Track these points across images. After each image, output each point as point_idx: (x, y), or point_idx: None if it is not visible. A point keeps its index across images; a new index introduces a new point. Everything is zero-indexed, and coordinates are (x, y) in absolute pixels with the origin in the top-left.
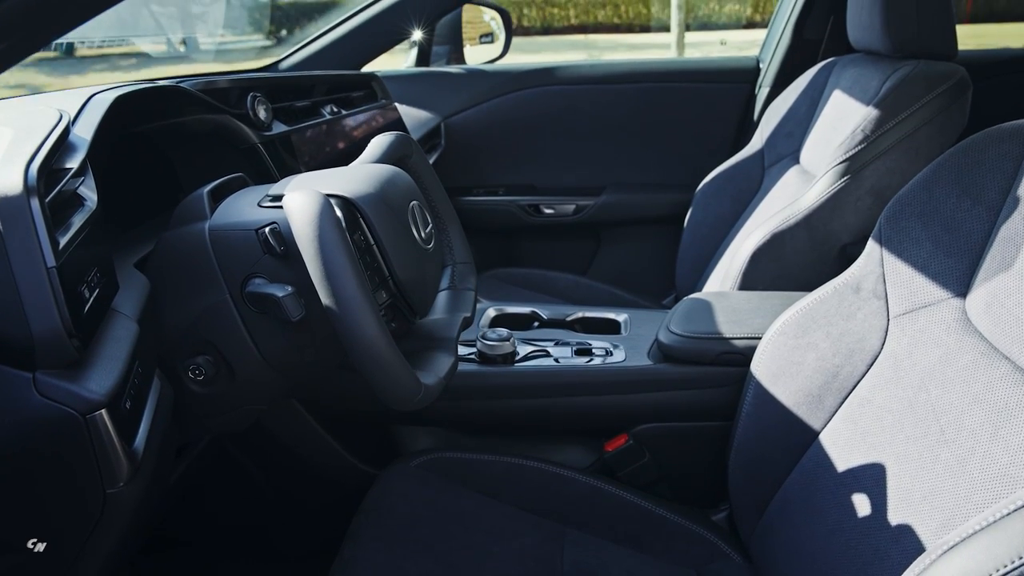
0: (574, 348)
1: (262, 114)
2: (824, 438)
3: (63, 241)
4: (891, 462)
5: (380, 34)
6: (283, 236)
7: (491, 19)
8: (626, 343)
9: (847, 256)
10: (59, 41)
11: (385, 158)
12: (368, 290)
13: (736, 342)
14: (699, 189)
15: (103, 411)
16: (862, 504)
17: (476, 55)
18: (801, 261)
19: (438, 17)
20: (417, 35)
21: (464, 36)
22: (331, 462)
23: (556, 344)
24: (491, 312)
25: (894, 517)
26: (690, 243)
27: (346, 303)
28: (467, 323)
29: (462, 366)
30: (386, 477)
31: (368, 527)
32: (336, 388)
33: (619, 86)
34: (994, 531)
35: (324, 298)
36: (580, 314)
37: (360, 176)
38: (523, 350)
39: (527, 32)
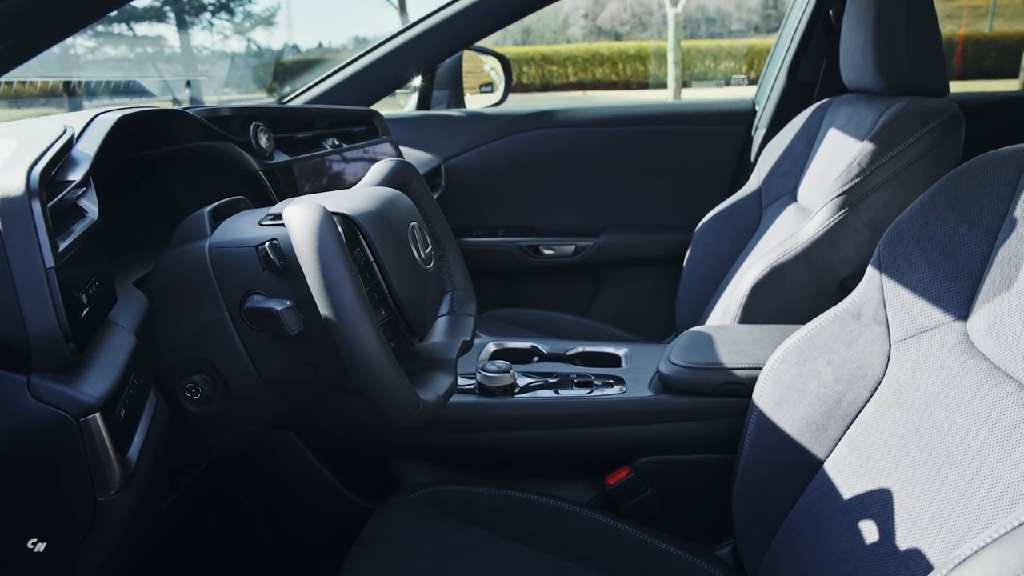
0: (574, 380)
1: (264, 142)
2: (829, 466)
3: (63, 245)
4: (898, 487)
5: (382, 78)
6: (283, 251)
7: (491, 69)
8: (627, 375)
9: (847, 289)
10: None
11: (386, 183)
12: (367, 301)
13: (737, 372)
14: (698, 229)
15: (97, 415)
16: (870, 531)
17: (476, 103)
18: (801, 294)
19: (439, 61)
20: (418, 80)
21: (464, 85)
22: (327, 496)
23: (556, 376)
24: (491, 347)
25: (903, 542)
26: (690, 282)
27: (345, 313)
28: (466, 347)
29: (461, 398)
30: (384, 510)
31: (365, 560)
32: (333, 415)
33: (617, 128)
34: (1004, 543)
35: (323, 309)
36: (580, 348)
37: (361, 196)
38: (523, 382)
39: (526, 89)
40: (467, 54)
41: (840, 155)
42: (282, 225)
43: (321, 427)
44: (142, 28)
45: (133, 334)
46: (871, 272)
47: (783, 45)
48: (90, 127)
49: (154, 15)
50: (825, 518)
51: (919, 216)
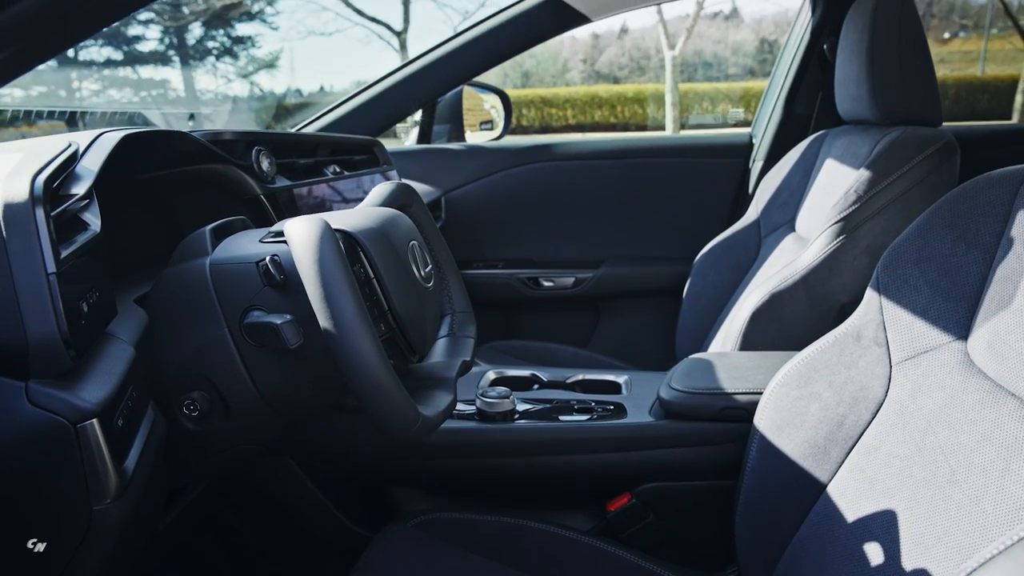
0: (575, 406)
1: (266, 166)
2: (832, 490)
3: (64, 253)
4: (902, 508)
5: (384, 111)
6: (283, 266)
7: (491, 107)
8: (627, 401)
9: (846, 316)
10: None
11: (387, 204)
12: (366, 314)
13: (738, 397)
14: (697, 259)
15: (94, 422)
16: (875, 553)
17: (476, 139)
18: (801, 321)
19: (440, 95)
20: (418, 115)
21: (465, 123)
22: (325, 523)
23: (556, 403)
24: (491, 375)
25: (909, 563)
26: (690, 313)
27: (344, 325)
28: (466, 367)
29: (460, 423)
30: (382, 537)
31: None
32: (331, 440)
33: (616, 161)
34: (1011, 554)
35: (322, 320)
36: (580, 376)
37: (361, 214)
38: (523, 408)
39: (526, 131)
40: (467, 92)
41: (837, 184)
42: (283, 242)
43: (319, 453)
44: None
45: (132, 346)
46: (870, 294)
47: (779, 79)
48: (95, 144)
49: (159, 58)
50: (829, 542)
51: (917, 238)
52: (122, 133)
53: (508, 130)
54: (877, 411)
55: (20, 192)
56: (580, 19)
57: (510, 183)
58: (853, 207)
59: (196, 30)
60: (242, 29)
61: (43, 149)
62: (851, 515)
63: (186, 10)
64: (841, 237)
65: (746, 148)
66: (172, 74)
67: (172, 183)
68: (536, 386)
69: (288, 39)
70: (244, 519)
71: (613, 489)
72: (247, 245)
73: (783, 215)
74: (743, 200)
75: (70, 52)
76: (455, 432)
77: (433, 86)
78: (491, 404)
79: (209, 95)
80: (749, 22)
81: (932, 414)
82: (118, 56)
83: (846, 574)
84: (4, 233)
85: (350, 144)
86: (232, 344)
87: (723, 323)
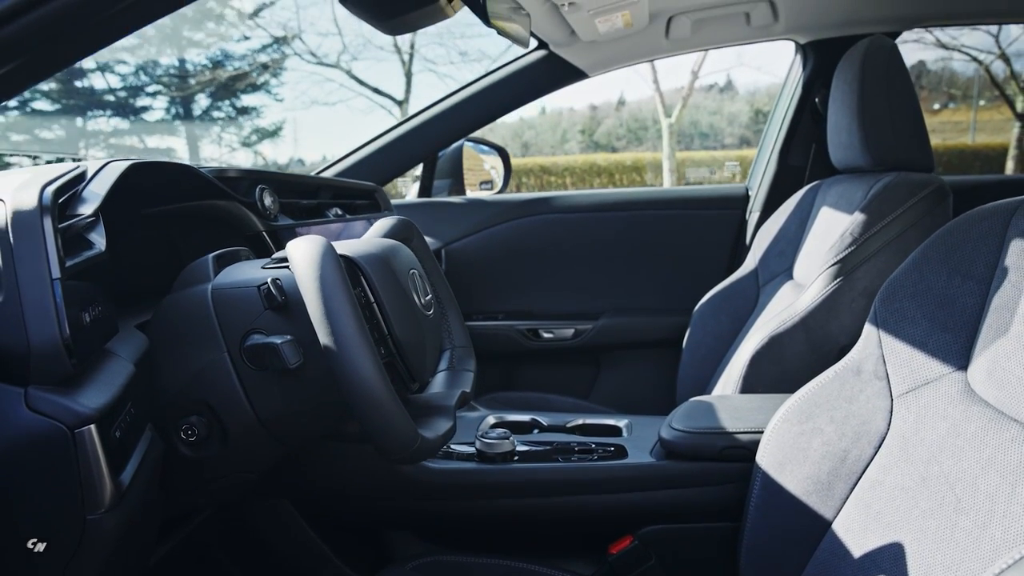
0: (575, 449)
1: (268, 203)
2: (837, 526)
3: (70, 263)
4: (909, 539)
5: (386, 164)
6: (284, 289)
7: (491, 168)
8: (628, 443)
9: None
10: None
11: (388, 236)
12: (367, 332)
13: (740, 436)
14: (696, 309)
15: (92, 427)
16: None
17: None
18: (801, 364)
19: (440, 149)
20: (419, 170)
21: (465, 183)
22: (321, 568)
23: (556, 445)
24: (490, 419)
25: None
26: (690, 363)
27: (344, 342)
28: (465, 398)
29: (459, 464)
30: None
31: None
32: (328, 477)
33: (614, 213)
34: (1020, 567)
35: (323, 337)
36: (581, 421)
37: (363, 241)
38: (523, 450)
39: None
40: (468, 152)
41: (833, 230)
42: (286, 267)
43: (316, 494)
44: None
45: (132, 364)
46: (868, 329)
47: (772, 132)
48: (103, 170)
49: (165, 128)
50: None
51: (913, 272)
52: (129, 161)
53: (507, 187)
54: (880, 444)
55: (29, 200)
56: (577, 75)
57: (509, 235)
58: (849, 249)
59: (202, 100)
60: (247, 100)
61: (53, 169)
62: (858, 551)
63: (192, 81)
64: (839, 279)
65: (742, 200)
66: (177, 143)
67: (176, 218)
68: (536, 430)
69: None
70: (238, 563)
71: (614, 532)
72: (249, 271)
73: (781, 264)
74: (741, 251)
75: (78, 121)
76: (453, 472)
77: (434, 140)
78: (491, 445)
79: (213, 163)
80: (744, 94)
81: (935, 444)
82: (124, 125)
83: None
84: (11, 239)
85: (352, 189)
86: (231, 368)
87: (723, 370)
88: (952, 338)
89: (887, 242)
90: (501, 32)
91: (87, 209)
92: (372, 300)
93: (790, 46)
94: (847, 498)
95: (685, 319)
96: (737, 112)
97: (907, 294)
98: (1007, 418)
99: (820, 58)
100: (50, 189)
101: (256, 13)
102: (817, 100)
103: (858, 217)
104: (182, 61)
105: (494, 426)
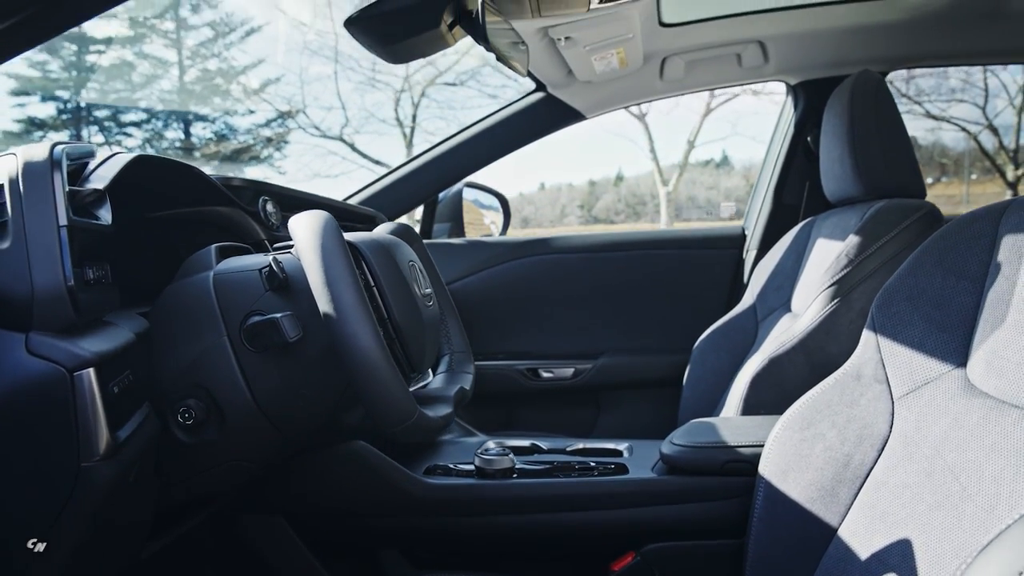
0: (576, 467)
1: (271, 213)
2: (843, 532)
3: (77, 220)
4: (916, 534)
5: (390, 203)
6: (285, 268)
7: (491, 222)
8: (629, 462)
9: None
10: None
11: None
12: (366, 301)
13: (741, 450)
14: (696, 346)
15: (91, 371)
16: None
17: None
18: (801, 385)
19: (440, 190)
20: (418, 213)
21: (465, 226)
22: None
23: (557, 463)
24: (491, 443)
25: None
26: (691, 399)
27: (344, 309)
28: (464, 394)
29: (458, 480)
30: None
31: None
32: (324, 490)
33: (613, 254)
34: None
35: (322, 304)
36: (581, 444)
37: (365, 232)
38: (523, 467)
39: None
40: (468, 206)
41: (829, 257)
42: (289, 251)
43: (311, 509)
44: None
45: (133, 334)
46: (866, 335)
47: (767, 172)
48: (110, 159)
49: None
50: None
51: (908, 277)
52: (135, 154)
53: (507, 232)
54: (883, 447)
55: (40, 154)
56: (575, 116)
57: (509, 276)
58: (845, 271)
59: (206, 172)
60: (250, 172)
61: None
62: (865, 553)
63: (197, 154)
64: (836, 300)
65: (739, 239)
66: None
67: (179, 224)
68: (536, 455)
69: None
70: None
71: (616, 549)
72: (251, 258)
73: (779, 298)
74: (738, 290)
75: None
76: (452, 488)
77: (434, 182)
78: (490, 461)
79: None
80: (740, 168)
81: (938, 439)
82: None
83: None
84: (21, 187)
85: (354, 213)
86: (230, 351)
87: (724, 403)
88: (949, 337)
89: (882, 263)
90: (500, 58)
91: (95, 185)
92: (372, 284)
93: (781, 98)
94: (852, 503)
95: (684, 358)
96: (734, 187)
97: (903, 298)
98: (1008, 405)
99: (810, 98)
100: (60, 147)
101: (262, 88)
102: (809, 139)
103: (853, 239)
104: (187, 135)
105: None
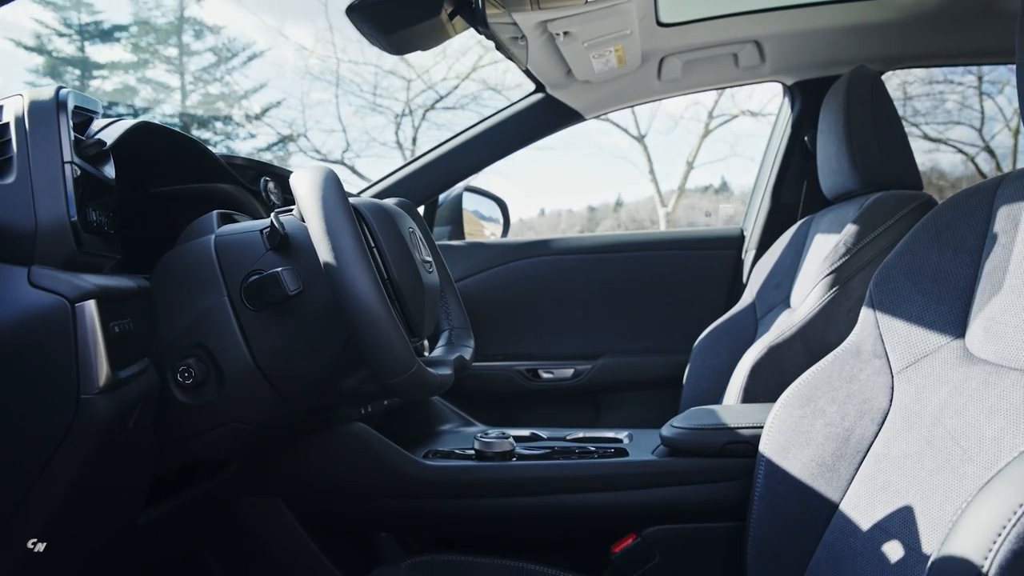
0: (576, 451)
1: (273, 192)
2: (845, 506)
3: (81, 163)
4: (917, 500)
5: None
6: (286, 227)
7: (491, 234)
8: (630, 447)
9: None
10: None
11: None
12: (366, 250)
13: (742, 431)
14: (696, 344)
15: (92, 302)
16: (894, 551)
17: None
18: (800, 373)
19: (441, 191)
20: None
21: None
22: (311, 570)
23: (557, 448)
24: (490, 431)
25: (929, 547)
26: (691, 396)
27: (344, 257)
28: (463, 363)
29: (457, 462)
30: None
31: None
32: (322, 470)
33: (612, 255)
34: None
35: (323, 254)
36: (581, 434)
37: (365, 198)
38: (523, 451)
39: None
40: (468, 216)
41: (827, 250)
42: (290, 212)
43: (309, 490)
44: None
45: (135, 285)
46: (865, 312)
47: (765, 173)
48: (115, 123)
49: None
50: (847, 555)
51: (905, 253)
52: (141, 119)
53: (507, 234)
54: (883, 421)
55: (46, 94)
56: (574, 117)
57: (508, 277)
58: (843, 259)
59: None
60: None
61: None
62: (867, 524)
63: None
64: (834, 289)
65: (738, 240)
66: None
67: (182, 200)
68: (536, 442)
69: None
70: (225, 566)
71: (617, 532)
72: (253, 223)
73: (778, 295)
74: (737, 290)
75: None
76: (450, 469)
77: (434, 184)
78: (489, 444)
79: None
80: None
81: (938, 407)
82: None
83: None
84: (27, 124)
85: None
86: (230, 310)
87: (724, 397)
88: (947, 309)
89: (880, 251)
90: (499, 47)
91: (100, 138)
92: (372, 245)
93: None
94: (853, 477)
95: (684, 358)
96: (733, 213)
97: (901, 274)
98: (1007, 368)
99: (807, 98)
100: (66, 90)
101: (263, 113)
102: (807, 139)
103: (850, 228)
104: None
105: None
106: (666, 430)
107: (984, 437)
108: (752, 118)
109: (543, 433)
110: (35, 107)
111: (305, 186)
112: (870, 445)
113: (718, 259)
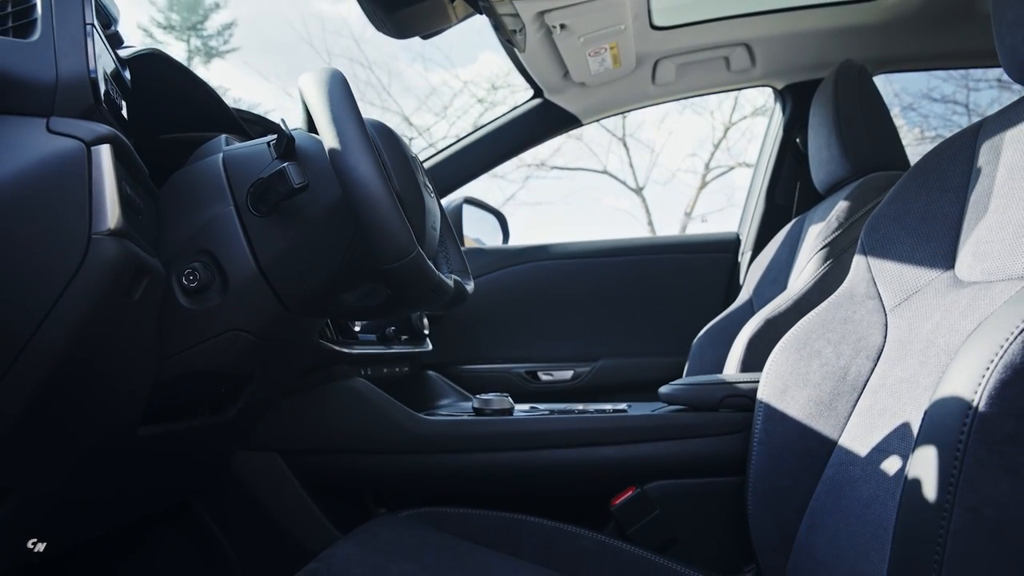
0: (576, 412)
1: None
2: (844, 439)
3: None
4: (915, 416)
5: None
6: (294, 135)
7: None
8: (629, 409)
9: None
10: None
11: None
12: (368, 137)
13: (740, 386)
14: (695, 341)
15: (108, 146)
16: (892, 464)
17: None
18: None
19: (442, 196)
20: None
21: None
22: (308, 528)
23: (556, 411)
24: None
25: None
26: None
27: (348, 140)
28: (462, 289)
29: (456, 417)
30: (371, 525)
31: (345, 545)
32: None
33: (610, 259)
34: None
35: (328, 140)
36: (581, 407)
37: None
38: (522, 410)
39: None
40: (467, 238)
41: (820, 233)
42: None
43: (307, 445)
44: None
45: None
46: (857, 259)
47: (759, 176)
48: (128, 47)
49: None
50: (846, 483)
51: (894, 200)
52: (155, 49)
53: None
54: (879, 357)
55: None
56: (572, 121)
57: (507, 281)
58: (836, 233)
59: None
60: None
61: None
62: (866, 450)
63: None
64: (828, 262)
65: (734, 244)
66: None
67: (189, 149)
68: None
69: None
70: (223, 524)
71: (618, 487)
72: (260, 139)
73: (775, 290)
74: (733, 293)
75: None
76: (450, 424)
77: (435, 185)
78: (488, 402)
79: None
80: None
81: (930, 331)
82: None
83: (866, 496)
84: None
85: None
86: (236, 217)
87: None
88: (936, 246)
89: None
90: (497, 28)
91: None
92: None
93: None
94: (851, 412)
95: (681, 360)
96: None
97: (889, 220)
98: (995, 282)
99: (797, 101)
100: None
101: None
102: (798, 140)
103: (843, 205)
104: None
105: None
106: (665, 388)
107: None
108: (748, 169)
109: (543, 409)
110: None
111: (312, 80)
112: (867, 381)
113: (714, 262)
